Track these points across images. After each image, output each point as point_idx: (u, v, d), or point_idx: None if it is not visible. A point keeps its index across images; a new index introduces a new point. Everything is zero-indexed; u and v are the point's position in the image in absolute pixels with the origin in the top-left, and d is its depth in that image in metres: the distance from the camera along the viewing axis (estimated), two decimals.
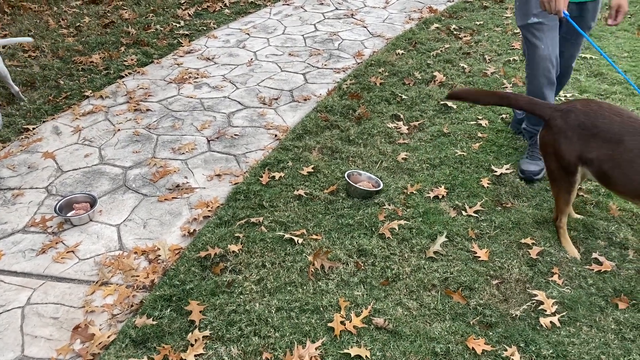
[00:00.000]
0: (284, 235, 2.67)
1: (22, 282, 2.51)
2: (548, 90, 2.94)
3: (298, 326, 2.19)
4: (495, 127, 3.61)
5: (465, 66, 4.49)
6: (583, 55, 4.64)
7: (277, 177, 3.13)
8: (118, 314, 2.32)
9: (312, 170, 3.19)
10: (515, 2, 2.94)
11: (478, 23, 5.49)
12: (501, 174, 3.10)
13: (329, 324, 2.19)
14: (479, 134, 3.52)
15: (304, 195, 2.98)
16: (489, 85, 4.19)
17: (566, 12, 2.43)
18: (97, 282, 2.48)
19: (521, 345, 2.10)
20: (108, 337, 2.18)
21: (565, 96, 3.97)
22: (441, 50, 4.81)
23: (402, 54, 4.79)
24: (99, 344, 2.16)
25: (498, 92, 3.19)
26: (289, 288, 2.38)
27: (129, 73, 4.58)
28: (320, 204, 2.92)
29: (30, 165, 3.37)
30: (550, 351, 2.06)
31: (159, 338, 2.16)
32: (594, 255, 2.53)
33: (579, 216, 2.77)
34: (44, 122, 3.86)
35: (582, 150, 2.33)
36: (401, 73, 4.40)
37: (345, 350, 2.07)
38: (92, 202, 2.97)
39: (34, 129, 3.76)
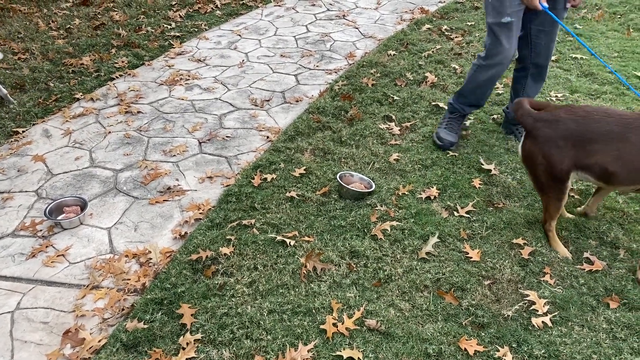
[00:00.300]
0: (275, 238, 2.66)
1: (12, 286, 2.49)
2: (490, 84, 3.18)
3: (290, 328, 2.18)
4: (487, 127, 3.61)
5: (457, 67, 4.50)
6: (574, 55, 4.67)
7: (269, 179, 3.12)
8: (109, 318, 2.30)
9: (304, 172, 3.18)
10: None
11: (469, 24, 5.51)
12: (493, 174, 3.11)
13: (321, 326, 2.18)
14: (470, 135, 3.52)
15: (296, 197, 2.97)
16: None
17: (544, 4, 2.51)
18: (87, 286, 2.46)
19: (513, 345, 2.10)
20: (99, 341, 2.17)
21: (556, 96, 3.99)
22: (433, 51, 4.82)
23: (394, 55, 4.79)
24: (90, 348, 2.14)
25: None
26: (281, 290, 2.37)
27: (120, 75, 4.55)
28: (313, 206, 2.91)
29: (20, 169, 3.34)
30: (542, 351, 2.07)
31: (150, 342, 2.15)
32: (585, 254, 2.54)
33: (571, 216, 2.78)
34: (33, 125, 3.83)
35: (578, 157, 2.34)
36: (393, 74, 4.40)
37: (338, 353, 2.07)
38: (83, 205, 2.95)
39: (23, 131, 3.73)
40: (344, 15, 5.94)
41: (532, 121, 2.42)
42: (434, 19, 5.70)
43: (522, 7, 2.87)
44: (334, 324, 2.18)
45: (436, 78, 4.30)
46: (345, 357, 2.05)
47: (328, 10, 6.15)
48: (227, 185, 3.13)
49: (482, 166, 3.17)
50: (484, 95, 3.29)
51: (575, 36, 2.71)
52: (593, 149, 2.30)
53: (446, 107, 3.51)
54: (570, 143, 2.32)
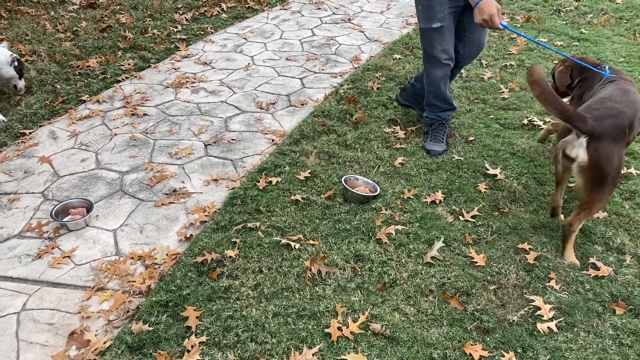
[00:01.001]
0: (280, 241, 2.67)
1: (18, 287, 2.50)
2: (443, 84, 3.32)
3: (295, 332, 2.18)
4: (492, 132, 3.61)
5: (462, 71, 4.50)
6: None
7: (274, 182, 3.13)
8: (114, 320, 2.31)
9: (309, 175, 3.18)
10: (417, 5, 3.09)
11: None
12: (498, 178, 3.10)
13: (326, 330, 2.18)
14: (475, 139, 3.52)
15: (301, 200, 2.97)
16: (486, 90, 4.19)
17: (504, 23, 2.64)
18: (93, 288, 2.47)
19: (518, 351, 2.10)
20: (104, 343, 2.17)
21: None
22: None
23: (399, 58, 4.79)
24: (95, 350, 2.14)
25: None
26: (285, 293, 2.37)
27: (126, 77, 4.57)
28: (317, 209, 2.91)
29: (27, 170, 3.36)
30: (548, 357, 2.06)
31: (155, 344, 2.15)
32: (591, 260, 2.53)
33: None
34: (40, 126, 3.85)
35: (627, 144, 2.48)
36: (398, 78, 4.40)
37: (342, 356, 2.07)
38: (89, 207, 2.96)
39: (30, 133, 3.75)
40: (349, 19, 5.95)
41: (592, 123, 2.31)
42: None
43: (453, 9, 3.01)
44: (339, 328, 2.18)
45: None
46: None
47: (334, 14, 6.16)
48: (232, 188, 3.13)
49: (488, 171, 3.16)
50: (446, 97, 3.41)
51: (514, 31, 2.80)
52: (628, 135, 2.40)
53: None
54: (623, 136, 2.37)
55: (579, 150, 2.36)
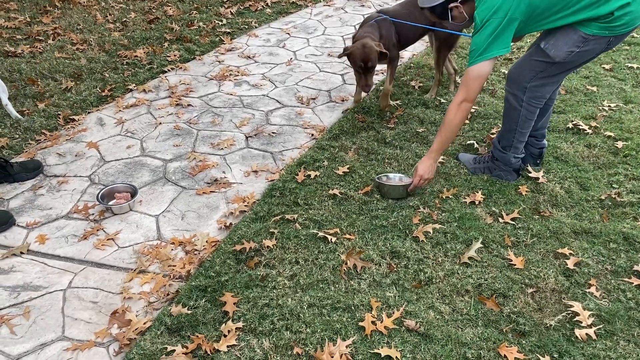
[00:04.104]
0: (317, 233, 2.69)
1: (65, 266, 2.60)
2: None
3: (329, 323, 2.21)
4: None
5: (506, 72, 4.42)
6: (629, 65, 4.52)
7: (312, 176, 3.16)
8: (154, 302, 2.38)
9: (348, 171, 3.20)
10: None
11: None
12: (540, 182, 3.05)
13: (360, 323, 2.20)
14: None
15: (339, 194, 3.00)
16: None
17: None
18: (135, 270, 2.55)
19: (555, 355, 2.07)
20: (144, 323, 2.24)
21: (609, 106, 3.88)
22: None
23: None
24: (136, 329, 2.22)
25: None
26: (321, 285, 2.40)
27: (172, 68, 4.68)
28: (355, 204, 2.93)
29: (76, 154, 3.48)
30: None
31: (193, 327, 2.21)
32: (635, 267, 2.46)
33: None
34: (89, 113, 3.99)
35: None
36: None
37: (376, 350, 2.08)
38: (133, 192, 3.05)
39: (79, 119, 3.89)
40: None
41: None
42: None
43: None
44: (373, 322, 2.19)
45: (485, 82, 4.24)
46: (383, 355, 2.06)
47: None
48: (271, 180, 3.18)
49: (530, 174, 3.11)
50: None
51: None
52: None
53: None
54: None
55: None
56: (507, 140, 2.98)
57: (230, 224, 2.83)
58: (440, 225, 2.73)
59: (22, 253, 2.68)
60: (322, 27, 5.69)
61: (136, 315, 2.30)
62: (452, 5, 2.63)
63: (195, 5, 6.17)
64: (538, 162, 3.19)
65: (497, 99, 4.03)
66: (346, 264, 2.49)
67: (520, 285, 2.39)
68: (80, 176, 3.28)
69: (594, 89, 4.16)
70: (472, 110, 3.83)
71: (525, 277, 2.43)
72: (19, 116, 3.81)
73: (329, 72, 4.63)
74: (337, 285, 2.40)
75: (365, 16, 4.17)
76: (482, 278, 2.42)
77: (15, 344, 2.19)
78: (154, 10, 6.06)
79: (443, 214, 2.84)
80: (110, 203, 3.00)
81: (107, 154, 3.50)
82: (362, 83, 3.54)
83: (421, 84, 4.23)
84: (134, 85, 4.37)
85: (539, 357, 2.06)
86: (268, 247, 2.62)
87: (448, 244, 2.63)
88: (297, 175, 3.16)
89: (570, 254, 2.55)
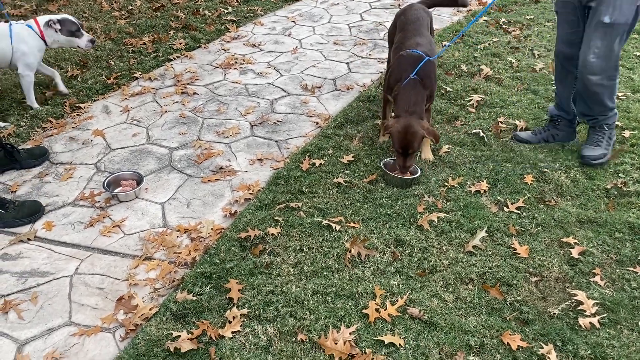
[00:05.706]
0: (322, 221, 2.70)
1: (71, 252, 2.63)
2: None
3: (333, 310, 2.22)
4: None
5: (513, 61, 4.40)
6: (638, 54, 4.48)
7: (317, 164, 3.16)
8: (160, 288, 2.40)
9: (352, 159, 3.20)
10: None
11: (528, 17, 5.37)
12: (545, 171, 3.04)
13: (364, 311, 2.21)
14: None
15: (343, 183, 3.00)
16: (537, 81, 4.09)
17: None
18: (140, 257, 2.57)
19: (558, 344, 2.08)
20: (150, 309, 2.26)
21: (617, 95, 3.84)
22: (489, 44, 4.73)
23: (449, 46, 4.72)
24: (141, 315, 2.24)
25: None
26: (325, 273, 2.41)
27: (177, 57, 4.68)
28: (359, 193, 2.93)
29: (82, 142, 3.49)
30: (588, 352, 2.03)
31: (198, 313, 2.23)
32: None
33: None
34: (95, 100, 4.00)
35: None
36: (447, 65, 4.35)
37: (379, 337, 2.09)
38: (139, 179, 3.06)
39: (85, 107, 3.90)
40: (399, 5, 5.88)
41: None
42: (492, 11, 5.58)
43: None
44: (377, 310, 2.21)
45: (491, 71, 4.22)
46: (386, 342, 2.07)
47: None
48: (276, 168, 3.18)
49: (536, 163, 3.10)
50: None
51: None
52: None
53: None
54: None
55: None
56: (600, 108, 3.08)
57: (235, 211, 2.84)
58: (445, 214, 2.74)
59: (29, 239, 2.70)
60: (328, 15, 5.66)
61: (142, 301, 2.32)
62: None
63: None
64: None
65: (503, 87, 4.00)
66: (350, 252, 2.50)
67: (524, 274, 2.39)
68: (86, 164, 3.29)
69: None
70: (479, 98, 3.81)
71: (529, 265, 2.43)
72: (36, 105, 3.83)
73: (335, 61, 4.61)
74: (341, 273, 2.41)
75: (402, 54, 3.11)
76: (486, 267, 2.43)
77: (23, 328, 2.22)
78: None
79: (448, 203, 2.84)
80: (116, 190, 3.02)
81: (113, 141, 3.51)
82: (401, 164, 2.96)
83: None
84: (139, 73, 4.37)
85: (542, 345, 2.07)
86: (273, 234, 2.63)
87: (452, 232, 2.63)
88: (302, 163, 3.17)
89: (575, 243, 2.55)
